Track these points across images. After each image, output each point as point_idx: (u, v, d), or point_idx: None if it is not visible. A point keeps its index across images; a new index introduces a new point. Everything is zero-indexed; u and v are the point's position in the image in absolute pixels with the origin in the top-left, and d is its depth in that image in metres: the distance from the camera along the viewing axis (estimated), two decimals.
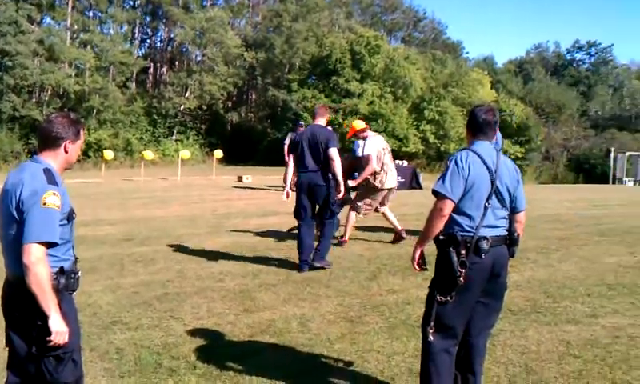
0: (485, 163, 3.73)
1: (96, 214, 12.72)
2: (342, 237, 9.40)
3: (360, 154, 9.29)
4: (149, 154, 28.66)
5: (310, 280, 7.22)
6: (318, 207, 7.80)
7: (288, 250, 8.83)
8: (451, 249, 3.65)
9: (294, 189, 7.95)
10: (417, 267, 3.91)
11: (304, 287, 6.92)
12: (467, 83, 48.61)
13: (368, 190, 9.26)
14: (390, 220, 9.55)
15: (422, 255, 3.89)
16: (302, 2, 47.88)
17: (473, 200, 3.69)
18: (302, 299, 6.49)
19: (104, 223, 11.65)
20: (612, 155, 42.21)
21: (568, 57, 74.47)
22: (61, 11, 41.80)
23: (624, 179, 39.02)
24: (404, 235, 9.45)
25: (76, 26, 42.84)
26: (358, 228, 10.02)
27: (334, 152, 7.58)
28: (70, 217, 3.20)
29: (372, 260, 8.32)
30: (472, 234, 3.66)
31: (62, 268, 3.12)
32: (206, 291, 6.77)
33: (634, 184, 37.31)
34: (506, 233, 3.82)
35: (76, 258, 3.32)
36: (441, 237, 3.72)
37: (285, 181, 7.94)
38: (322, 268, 7.62)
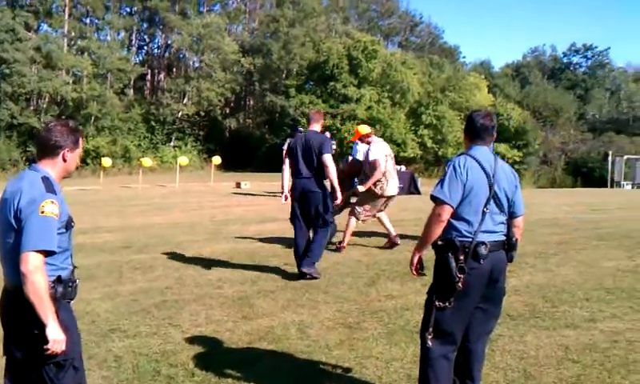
0: (483, 168, 3.74)
1: (94, 222, 12.71)
2: (340, 242, 9.38)
3: (360, 158, 9.26)
4: (147, 161, 28.67)
5: (309, 286, 7.21)
6: (311, 215, 7.64)
7: (286, 256, 8.81)
8: (450, 254, 3.65)
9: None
10: (415, 273, 3.91)
11: (302, 293, 6.91)
12: (464, 87, 48.76)
13: (368, 196, 9.21)
14: (385, 225, 9.52)
15: (420, 261, 3.89)
16: (298, 7, 47.97)
17: (471, 205, 3.69)
18: (300, 305, 6.48)
19: (102, 230, 11.64)
20: (610, 159, 42.24)
21: (565, 60, 74.61)
22: (58, 18, 41.86)
23: (622, 183, 39.05)
24: (397, 241, 9.42)
25: (73, 33, 42.94)
26: (356, 233, 10.00)
27: (327, 158, 7.50)
28: (68, 225, 3.20)
29: (370, 266, 8.30)
30: (470, 240, 3.65)
31: (59, 276, 3.12)
32: (205, 298, 6.76)
33: (633, 187, 37.33)
34: (505, 238, 3.82)
35: (74, 267, 3.32)
36: (439, 242, 3.72)
37: (282, 186, 7.90)
38: (311, 276, 7.44)
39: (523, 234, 4.10)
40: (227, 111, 50.31)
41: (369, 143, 9.33)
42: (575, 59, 73.86)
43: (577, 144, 56.66)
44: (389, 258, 8.72)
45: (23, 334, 3.09)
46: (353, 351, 5.12)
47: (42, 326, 2.96)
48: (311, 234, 7.74)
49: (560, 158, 55.57)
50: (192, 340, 5.41)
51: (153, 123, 43.67)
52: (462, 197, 3.67)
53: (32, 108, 39.84)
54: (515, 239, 3.86)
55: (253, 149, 45.23)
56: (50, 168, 3.21)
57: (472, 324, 3.82)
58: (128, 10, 48.22)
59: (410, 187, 18.46)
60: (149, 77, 50.61)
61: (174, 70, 50.32)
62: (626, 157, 41.75)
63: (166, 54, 51.19)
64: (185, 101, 45.05)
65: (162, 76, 50.82)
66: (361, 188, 9.08)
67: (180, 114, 44.69)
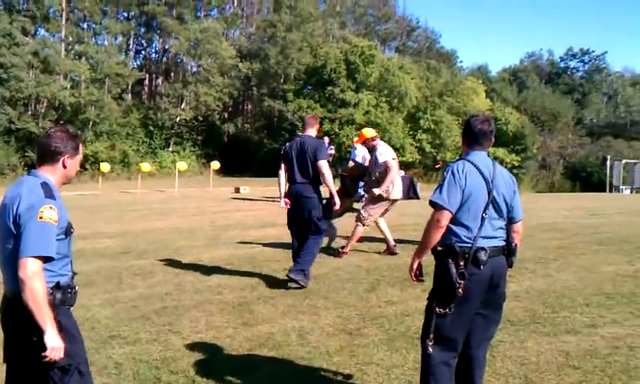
0: (481, 174, 3.74)
1: (93, 227, 12.69)
2: (342, 248, 9.36)
3: (359, 161, 9.22)
4: (146, 166, 28.61)
5: (309, 292, 7.20)
6: (305, 220, 7.53)
7: (286, 261, 8.77)
8: (450, 260, 3.65)
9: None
10: (414, 278, 3.91)
11: (303, 299, 6.91)
12: (462, 92, 48.79)
13: (372, 199, 9.20)
14: (384, 233, 9.48)
15: (419, 266, 3.89)
16: (295, 12, 47.96)
17: (470, 211, 3.69)
18: (300, 312, 6.47)
19: (102, 236, 11.63)
20: (608, 163, 42.25)
21: (562, 65, 74.81)
22: (55, 23, 41.78)
23: (621, 187, 39.09)
24: (396, 251, 9.33)
25: (70, 38, 42.84)
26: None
27: (323, 164, 7.42)
28: (67, 231, 3.20)
29: (371, 271, 8.30)
30: (470, 245, 3.66)
31: (58, 283, 3.11)
32: (205, 304, 6.76)
33: (631, 192, 37.36)
34: (504, 243, 3.82)
35: (74, 273, 3.31)
36: (439, 248, 3.72)
37: (280, 191, 7.86)
38: (297, 283, 7.32)
39: (523, 239, 4.11)
40: (225, 116, 50.24)
41: (374, 146, 9.31)
42: (572, 64, 74.14)
43: (575, 148, 56.72)
44: (389, 264, 8.72)
45: (23, 341, 3.08)
46: (353, 357, 5.12)
47: (40, 333, 2.96)
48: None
49: (558, 162, 55.63)
50: (192, 347, 5.40)
51: (151, 128, 43.60)
52: (461, 202, 3.68)
53: (30, 113, 39.73)
54: (515, 244, 3.87)
55: (251, 153, 45.19)
56: (50, 174, 3.21)
57: (473, 330, 3.82)
58: (125, 14, 48.15)
59: (409, 192, 18.42)
60: (146, 81, 50.54)
61: (172, 74, 50.22)
62: (624, 161, 41.82)
63: (164, 59, 51.11)
64: (183, 106, 44.98)
65: (159, 81, 50.73)
66: (377, 191, 8.99)
67: (178, 118, 44.61)
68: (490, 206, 3.72)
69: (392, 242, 9.43)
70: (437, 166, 14.21)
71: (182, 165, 29.29)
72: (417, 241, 4.31)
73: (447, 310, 3.67)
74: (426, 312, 3.82)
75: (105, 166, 27.71)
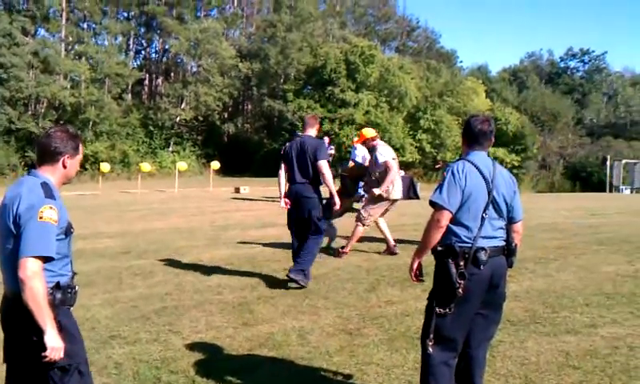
0: (482, 174, 3.74)
1: (94, 227, 12.69)
2: (342, 248, 9.36)
3: (359, 161, 9.21)
4: (146, 166, 28.61)
5: (309, 292, 7.20)
6: (305, 220, 7.53)
7: (286, 261, 8.77)
8: (450, 260, 3.65)
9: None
10: (414, 278, 3.91)
11: (303, 299, 6.91)
12: (462, 92, 48.82)
13: (372, 199, 9.19)
14: (384, 233, 9.48)
15: (419, 266, 3.89)
16: (295, 12, 47.96)
17: (470, 211, 3.69)
18: (300, 312, 6.47)
19: (102, 236, 11.62)
20: (608, 163, 42.26)
21: (562, 65, 74.86)
22: (55, 23, 41.77)
23: (621, 187, 39.10)
24: (396, 251, 9.34)
25: (70, 38, 42.85)
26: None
27: (323, 165, 7.42)
28: (67, 231, 3.19)
29: (371, 271, 8.30)
30: (470, 245, 3.66)
31: (58, 283, 3.11)
32: (205, 304, 6.76)
33: (631, 192, 37.38)
34: (504, 243, 3.82)
35: (74, 273, 3.31)
36: (439, 248, 3.72)
37: (280, 191, 7.86)
38: (297, 283, 7.31)
39: (523, 239, 4.11)
40: (225, 116, 50.23)
41: (374, 146, 9.30)
42: (572, 64, 74.20)
43: (575, 148, 56.74)
44: (389, 264, 8.72)
45: (23, 341, 3.08)
46: (353, 357, 5.11)
47: (40, 333, 2.95)
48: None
49: (558, 162, 55.64)
50: (192, 346, 5.40)
51: (151, 128, 43.60)
52: (461, 202, 3.68)
53: (30, 113, 39.73)
54: (515, 244, 3.87)
55: (251, 153, 45.20)
56: (50, 174, 3.21)
57: (473, 330, 3.82)
58: (125, 14, 48.16)
59: (409, 192, 18.42)
60: (146, 81, 50.54)
61: (172, 74, 50.22)
62: (624, 161, 41.83)
63: (164, 59, 51.12)
64: (183, 106, 44.98)
65: (159, 81, 50.72)
66: (377, 190, 8.99)
67: (178, 118, 44.61)
68: (490, 206, 3.72)
69: (392, 242, 9.43)
70: (437, 166, 14.21)
71: (181, 165, 29.29)
72: (417, 241, 4.31)
73: (447, 310, 3.67)
74: (426, 312, 3.82)
75: (105, 166, 27.72)
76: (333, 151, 19.86)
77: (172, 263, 8.98)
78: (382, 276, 7.98)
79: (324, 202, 7.83)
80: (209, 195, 23.26)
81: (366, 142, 9.52)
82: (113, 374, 4.81)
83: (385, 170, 8.98)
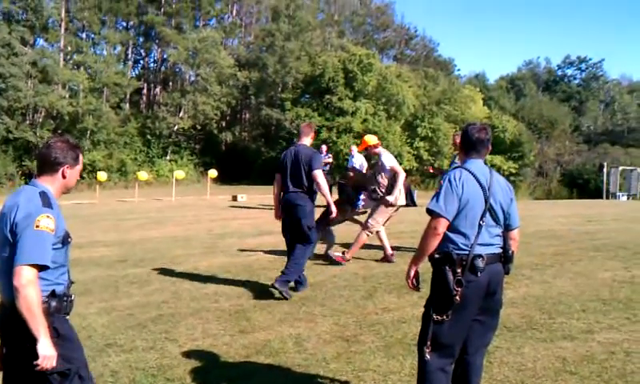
0: (478, 181, 3.75)
1: (90, 236, 12.68)
2: (344, 252, 9.37)
3: (357, 167, 9.19)
4: (143, 175, 28.61)
5: (306, 299, 7.20)
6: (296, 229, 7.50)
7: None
8: (447, 267, 3.65)
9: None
10: (411, 286, 3.91)
11: (299, 307, 6.90)
12: (459, 100, 48.98)
13: (380, 206, 9.19)
14: (383, 241, 9.48)
15: (416, 274, 3.89)
16: (294, 21, 48.08)
17: (467, 218, 3.70)
18: (297, 319, 6.47)
19: (99, 245, 11.61)
20: (605, 170, 42.31)
21: (559, 72, 75.15)
22: (54, 33, 41.82)
23: (618, 194, 39.13)
24: (393, 259, 9.35)
25: (69, 48, 42.90)
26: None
27: (318, 174, 7.43)
28: (64, 240, 3.20)
29: (367, 278, 8.30)
30: (467, 253, 3.66)
31: (53, 291, 3.11)
32: (201, 312, 6.75)
33: (628, 199, 37.43)
34: (501, 250, 3.82)
35: (71, 282, 3.31)
36: (436, 255, 3.72)
37: (275, 202, 7.86)
38: (281, 294, 7.21)
39: (519, 245, 4.11)
40: (223, 125, 50.28)
41: (376, 154, 9.31)
42: (569, 71, 74.56)
43: (572, 155, 56.92)
44: (386, 271, 8.72)
45: (20, 349, 3.08)
46: (350, 364, 5.11)
47: (34, 341, 2.95)
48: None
49: (555, 169, 55.77)
50: (189, 354, 5.39)
51: (149, 137, 43.62)
52: (458, 210, 3.68)
53: (28, 122, 39.69)
54: (512, 251, 3.87)
55: (249, 162, 45.25)
56: (49, 184, 3.23)
57: (470, 336, 3.82)
58: (124, 24, 48.29)
59: (406, 199, 18.43)
60: (145, 91, 50.59)
61: (170, 83, 50.26)
62: (621, 168, 41.93)
63: (162, 68, 51.18)
64: (181, 114, 44.98)
65: (157, 90, 50.77)
66: (390, 198, 9.01)
67: (176, 127, 44.63)
68: (487, 214, 3.73)
69: (389, 251, 9.44)
70: (430, 170, 14.20)
71: (179, 173, 29.28)
72: (414, 248, 4.32)
73: (444, 317, 3.67)
74: (423, 319, 3.82)
75: (102, 175, 27.70)
76: (331, 159, 19.91)
77: (168, 271, 8.97)
78: (379, 283, 7.98)
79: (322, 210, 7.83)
80: (206, 203, 23.26)
81: (367, 149, 9.52)
82: (109, 382, 4.80)
83: (393, 175, 9.01)
